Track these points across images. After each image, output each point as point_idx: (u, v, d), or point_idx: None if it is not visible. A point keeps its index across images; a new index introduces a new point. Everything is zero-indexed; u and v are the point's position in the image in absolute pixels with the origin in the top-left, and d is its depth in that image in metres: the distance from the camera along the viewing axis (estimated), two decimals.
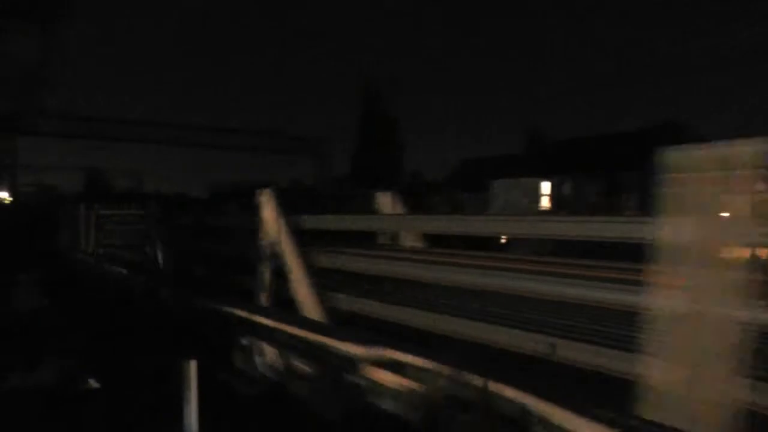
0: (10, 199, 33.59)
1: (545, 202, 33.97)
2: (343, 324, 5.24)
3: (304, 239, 6.22)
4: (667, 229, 2.83)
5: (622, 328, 3.67)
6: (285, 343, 5.48)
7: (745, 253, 2.74)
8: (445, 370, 3.82)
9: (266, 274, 6.49)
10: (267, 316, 5.97)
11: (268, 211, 6.44)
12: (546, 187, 34.28)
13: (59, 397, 6.29)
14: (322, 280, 5.81)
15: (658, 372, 2.84)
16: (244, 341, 6.22)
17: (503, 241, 12.34)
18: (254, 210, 6.66)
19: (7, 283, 10.49)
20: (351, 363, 4.47)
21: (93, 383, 6.62)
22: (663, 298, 2.85)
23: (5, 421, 5.50)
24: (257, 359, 6.04)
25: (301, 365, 5.35)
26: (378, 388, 4.34)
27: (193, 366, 4.35)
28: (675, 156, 2.80)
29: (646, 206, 29.48)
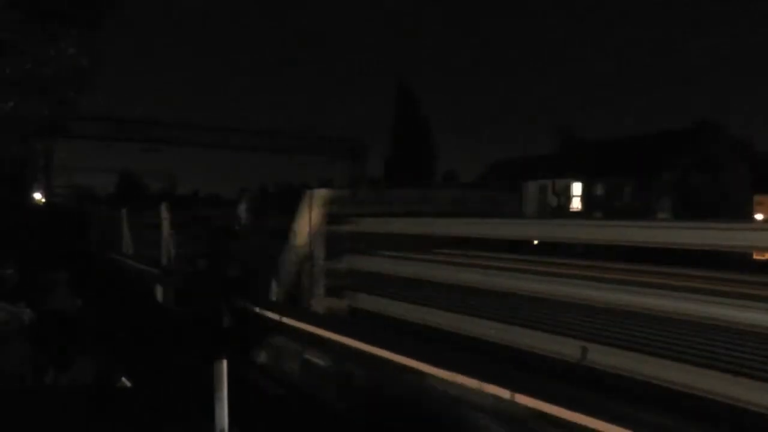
0: (44, 200, 34.11)
1: (576, 204, 33.58)
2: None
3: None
4: None
5: None
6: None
7: None
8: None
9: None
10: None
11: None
12: (577, 188, 33.88)
13: (93, 395, 6.32)
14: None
15: None
16: None
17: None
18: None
19: (44, 282, 10.59)
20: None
21: (125, 381, 6.65)
22: None
23: (41, 418, 5.54)
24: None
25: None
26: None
27: (223, 365, 4.32)
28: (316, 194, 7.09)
29: (683, 208, 29.01)
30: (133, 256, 15.45)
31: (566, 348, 4.37)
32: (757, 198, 31.26)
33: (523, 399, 3.91)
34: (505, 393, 4.04)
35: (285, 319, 7.04)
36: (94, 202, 41.71)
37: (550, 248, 7.93)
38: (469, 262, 6.87)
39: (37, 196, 32.54)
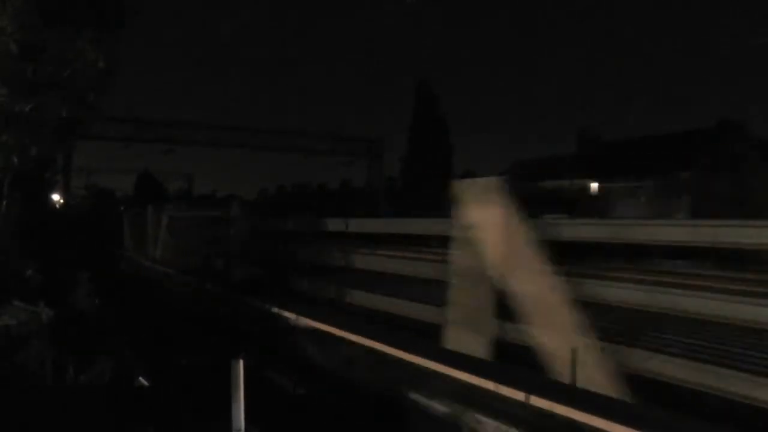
0: (62, 201, 34.33)
1: None
2: None
3: None
4: None
5: None
6: None
7: None
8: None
9: None
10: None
11: None
12: (594, 188, 33.66)
13: (111, 394, 6.34)
14: None
15: None
16: None
17: None
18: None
19: (67, 282, 10.66)
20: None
21: (143, 381, 6.67)
22: None
23: (60, 417, 5.56)
24: None
25: None
26: None
27: (240, 365, 4.30)
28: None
29: (701, 207, 28.70)
30: (151, 257, 15.51)
31: None
32: None
33: None
34: None
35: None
36: (112, 203, 42.02)
37: None
38: None
39: (56, 197, 32.81)
